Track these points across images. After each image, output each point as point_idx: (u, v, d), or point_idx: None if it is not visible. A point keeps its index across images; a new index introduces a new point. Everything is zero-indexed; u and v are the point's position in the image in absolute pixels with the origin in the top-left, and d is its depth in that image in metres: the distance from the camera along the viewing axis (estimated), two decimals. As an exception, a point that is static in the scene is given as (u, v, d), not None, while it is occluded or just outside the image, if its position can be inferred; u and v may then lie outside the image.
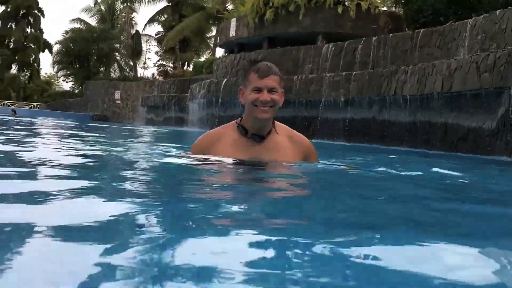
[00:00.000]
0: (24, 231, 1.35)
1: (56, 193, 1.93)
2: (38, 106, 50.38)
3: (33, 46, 59.73)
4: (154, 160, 4.03)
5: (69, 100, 48.58)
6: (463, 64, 11.39)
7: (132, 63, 52.49)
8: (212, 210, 1.79)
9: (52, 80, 67.50)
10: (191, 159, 3.43)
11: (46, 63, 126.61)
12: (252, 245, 1.29)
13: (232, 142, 3.29)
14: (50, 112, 42.41)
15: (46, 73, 68.90)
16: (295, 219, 1.76)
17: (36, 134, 9.31)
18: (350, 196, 2.60)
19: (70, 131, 12.07)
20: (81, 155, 4.31)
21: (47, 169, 3.00)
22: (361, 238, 1.47)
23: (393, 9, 22.43)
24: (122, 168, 3.51)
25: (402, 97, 13.69)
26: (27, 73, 61.23)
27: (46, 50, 59.18)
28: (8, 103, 49.99)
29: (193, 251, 1.20)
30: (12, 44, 59.53)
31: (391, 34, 16.01)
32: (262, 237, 1.38)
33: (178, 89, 30.75)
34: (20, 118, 22.86)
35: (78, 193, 2.01)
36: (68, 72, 53.92)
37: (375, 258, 1.24)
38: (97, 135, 11.24)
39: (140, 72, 55.72)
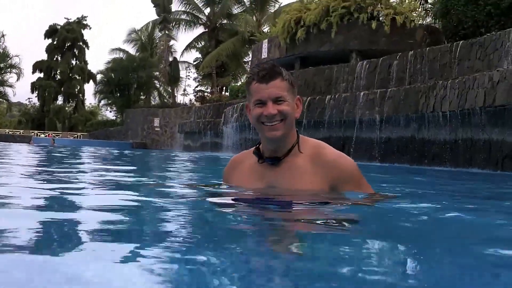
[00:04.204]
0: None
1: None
2: (81, 136, 51.17)
3: (78, 77, 61.46)
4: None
5: (110, 129, 49.20)
6: (507, 76, 10.51)
7: (170, 90, 52.85)
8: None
9: (97, 110, 68.97)
10: (200, 191, 3.20)
11: (91, 94, 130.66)
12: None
13: (249, 168, 2.71)
14: (90, 141, 42.91)
15: (90, 103, 70.57)
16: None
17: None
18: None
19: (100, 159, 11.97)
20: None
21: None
22: None
23: (429, 20, 21.42)
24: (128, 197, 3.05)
25: (442, 114, 12.72)
26: (72, 104, 62.86)
27: (91, 81, 60.68)
28: (53, 134, 51.00)
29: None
30: (58, 75, 61.30)
31: (428, 48, 15.09)
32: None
33: (213, 114, 30.44)
34: (58, 148, 23.41)
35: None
36: (109, 101, 54.74)
37: None
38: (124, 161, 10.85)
39: (180, 98, 56.35)
